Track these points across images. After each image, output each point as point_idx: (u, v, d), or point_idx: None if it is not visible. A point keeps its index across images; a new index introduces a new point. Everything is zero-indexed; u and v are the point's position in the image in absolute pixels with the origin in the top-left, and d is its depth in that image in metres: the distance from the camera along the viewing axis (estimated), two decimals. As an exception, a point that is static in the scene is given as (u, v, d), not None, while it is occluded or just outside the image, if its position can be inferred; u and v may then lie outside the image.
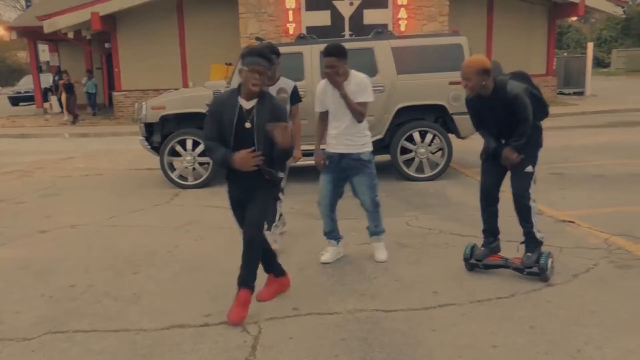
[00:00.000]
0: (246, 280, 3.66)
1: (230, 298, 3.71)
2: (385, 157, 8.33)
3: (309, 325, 3.58)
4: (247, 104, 3.55)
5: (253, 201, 3.65)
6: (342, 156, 4.53)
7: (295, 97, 5.02)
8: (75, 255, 5.10)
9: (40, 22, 16.93)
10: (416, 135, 7.84)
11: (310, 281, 4.33)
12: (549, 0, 17.60)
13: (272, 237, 4.90)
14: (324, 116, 4.60)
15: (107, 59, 21.18)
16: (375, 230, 4.77)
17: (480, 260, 4.33)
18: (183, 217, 6.34)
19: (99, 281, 4.44)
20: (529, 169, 4.17)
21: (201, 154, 7.73)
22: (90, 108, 20.00)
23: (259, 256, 3.73)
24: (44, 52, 21.94)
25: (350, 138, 4.49)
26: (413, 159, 7.90)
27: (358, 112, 4.41)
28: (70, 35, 17.71)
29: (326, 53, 4.33)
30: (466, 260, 4.38)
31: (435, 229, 5.53)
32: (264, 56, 3.53)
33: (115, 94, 18.37)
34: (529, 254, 4.21)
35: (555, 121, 13.96)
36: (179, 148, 7.86)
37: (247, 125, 3.53)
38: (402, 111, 7.81)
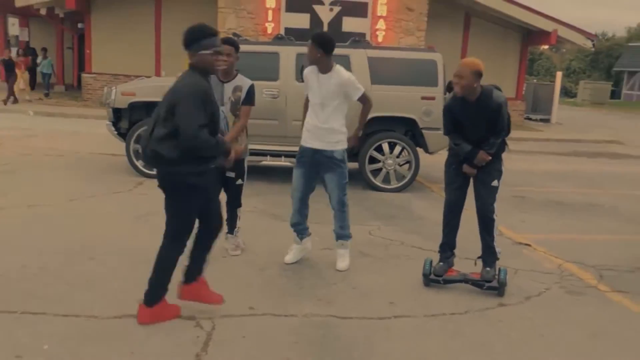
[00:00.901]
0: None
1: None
2: (353, 165, 8.37)
3: (264, 326, 3.57)
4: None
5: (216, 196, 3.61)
6: (315, 152, 4.54)
7: (250, 98, 4.62)
8: (30, 236, 4.97)
9: (13, -6, 16.48)
10: (385, 146, 7.91)
11: (270, 282, 4.32)
12: (524, 27, 18.02)
13: (234, 241, 4.85)
14: (308, 103, 4.65)
15: (79, 39, 20.72)
16: (341, 233, 4.73)
17: (440, 276, 4.37)
18: (145, 206, 6.22)
19: (52, 264, 4.34)
20: (495, 183, 4.28)
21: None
22: (44, 88, 19.16)
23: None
24: (14, 26, 21.34)
25: (325, 135, 4.50)
26: (380, 169, 7.96)
27: (369, 110, 4.76)
28: (43, 11, 17.28)
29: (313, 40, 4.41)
30: (425, 275, 4.39)
31: (396, 240, 5.58)
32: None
33: (84, 75, 17.96)
34: (488, 268, 4.31)
35: (521, 145, 14.28)
36: (146, 136, 7.73)
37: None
38: (373, 121, 7.83)
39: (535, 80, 30.61)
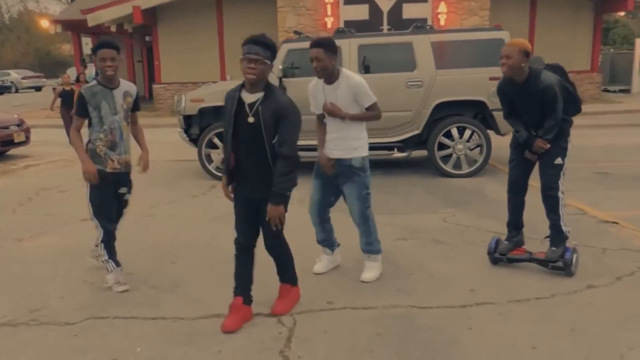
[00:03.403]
0: (293, 279, 3.79)
1: (266, 288, 3.74)
2: (422, 153, 8.26)
3: (344, 320, 3.57)
4: (249, 98, 3.29)
5: (264, 211, 3.40)
6: (335, 162, 4.13)
7: (138, 103, 4.28)
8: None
9: (84, 15, 17.34)
10: (454, 131, 7.74)
11: (345, 276, 4.31)
12: (596, -6, 17.12)
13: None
14: (321, 117, 4.19)
15: (147, 52, 21.55)
16: (367, 249, 4.27)
17: (504, 255, 4.33)
18: (220, 208, 6.39)
19: (138, 269, 4.53)
20: (558, 160, 4.15)
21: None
22: None
23: (290, 256, 3.73)
24: (87, 45, 22.45)
25: (342, 142, 4.05)
26: (451, 155, 7.80)
27: (373, 118, 4.09)
28: (113, 28, 18.07)
29: (312, 44, 3.90)
30: (490, 253, 4.39)
31: (472, 226, 5.45)
32: (259, 43, 3.17)
33: (155, 86, 18.68)
34: (554, 248, 4.19)
35: (600, 119, 13.59)
36: (216, 140, 7.94)
37: (250, 119, 3.26)
38: (440, 106, 7.72)
39: (611, 50, 29.01)
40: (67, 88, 11.93)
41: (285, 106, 3.27)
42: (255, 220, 3.52)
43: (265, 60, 3.19)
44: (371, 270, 4.25)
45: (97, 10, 17.23)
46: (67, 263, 4.74)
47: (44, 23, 28.65)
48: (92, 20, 17.21)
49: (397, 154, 7.80)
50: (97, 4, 17.55)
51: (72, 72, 20.42)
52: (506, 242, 4.41)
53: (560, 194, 4.18)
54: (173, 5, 17.41)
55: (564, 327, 3.37)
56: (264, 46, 3.19)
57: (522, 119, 4.25)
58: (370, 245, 4.25)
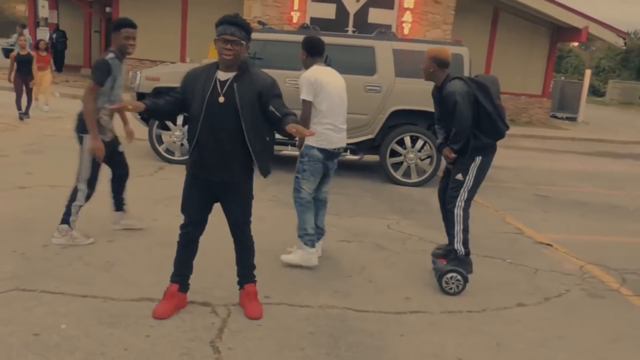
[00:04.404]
0: (251, 275, 3.63)
1: (204, 275, 3.70)
2: (373, 158, 8.34)
3: (279, 315, 3.57)
4: (222, 75, 3.24)
5: (231, 198, 3.39)
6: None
7: None
8: (51, 216, 5.01)
9: (44, -24, 16.65)
10: (407, 140, 7.84)
11: (285, 272, 4.31)
12: (553, 23, 17.69)
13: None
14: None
15: (106, 23, 20.89)
16: (298, 233, 4.50)
17: (433, 257, 4.50)
18: (165, 191, 6.28)
19: (72, 245, 4.38)
20: (459, 176, 4.19)
21: (191, 131, 7.65)
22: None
23: (253, 250, 3.61)
24: (44, 8, 21.54)
25: None
26: (402, 163, 7.91)
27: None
28: (73, -6, 17.44)
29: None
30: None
31: (415, 235, 5.54)
32: (234, 24, 3.15)
33: (110, 59, 18.12)
34: (446, 262, 4.26)
35: (545, 143, 14.12)
36: (168, 122, 7.78)
37: (221, 99, 3.18)
38: (396, 114, 7.80)
39: (563, 78, 30.11)
40: (23, 52, 10.65)
41: (268, 81, 3.28)
42: (209, 207, 3.44)
43: (241, 41, 3.17)
44: (291, 254, 4.45)
45: (58, -27, 16.56)
46: (-3, 231, 4.54)
47: (-1, -21, 27.31)
48: (51, -18, 16.54)
49: (349, 156, 7.85)
50: (58, -33, 16.88)
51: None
52: (441, 249, 4.48)
53: (457, 211, 4.15)
54: (138, -21, 16.94)
55: (491, 340, 3.48)
56: (239, 26, 3.16)
57: (439, 124, 4.40)
58: (298, 230, 4.47)
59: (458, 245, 4.16)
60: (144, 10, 17.36)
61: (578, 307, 4.13)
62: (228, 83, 3.22)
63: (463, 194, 4.18)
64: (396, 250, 5.03)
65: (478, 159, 4.14)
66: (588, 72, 23.00)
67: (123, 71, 4.54)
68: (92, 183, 4.51)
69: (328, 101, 4.34)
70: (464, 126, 4.04)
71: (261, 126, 3.29)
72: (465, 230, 4.17)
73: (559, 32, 18.16)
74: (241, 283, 3.60)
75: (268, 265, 4.29)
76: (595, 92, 40.38)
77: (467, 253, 4.18)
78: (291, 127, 3.06)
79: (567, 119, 20.99)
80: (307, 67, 4.48)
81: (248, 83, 3.23)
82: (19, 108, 10.39)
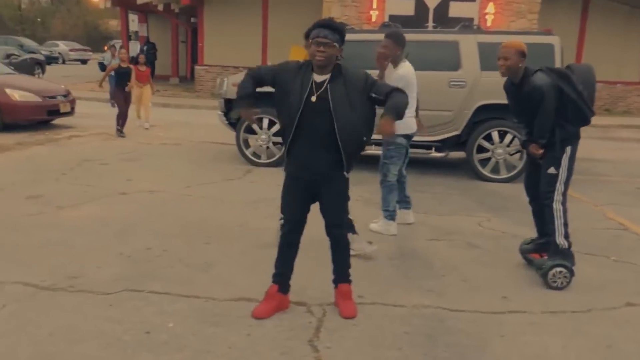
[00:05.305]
0: (346, 274, 3.64)
1: (297, 275, 3.74)
2: (460, 154, 8.16)
3: (373, 315, 3.57)
4: (318, 78, 3.30)
5: (327, 197, 3.44)
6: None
7: None
8: (152, 220, 5.30)
9: (133, -8, 17.60)
10: (495, 135, 7.61)
11: (376, 272, 4.31)
12: (651, 4, 16.59)
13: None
14: None
15: (192, 33, 21.76)
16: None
17: (522, 252, 4.46)
18: (254, 193, 6.45)
19: (172, 247, 4.60)
20: (552, 170, 4.04)
21: (276, 134, 7.82)
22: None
23: (348, 250, 3.64)
24: (134, 22, 22.78)
25: None
26: (489, 159, 7.69)
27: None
28: (160, 7, 18.31)
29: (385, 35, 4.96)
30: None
31: (508, 232, 5.37)
32: (327, 27, 3.21)
33: (197, 67, 18.86)
34: (547, 257, 4.13)
35: (644, 133, 13.24)
36: (254, 126, 7.98)
37: (313, 98, 3.24)
38: (482, 109, 7.59)
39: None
40: (124, 65, 10.58)
41: (360, 75, 3.35)
42: (306, 207, 3.51)
43: (334, 44, 3.22)
44: (376, 224, 5.22)
45: (147, -12, 17.46)
46: (104, 235, 4.85)
47: (94, -3, 29.11)
48: (141, -2, 17.46)
49: (434, 154, 7.73)
50: (146, -18, 17.79)
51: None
52: (529, 243, 4.45)
53: (555, 205, 4.04)
54: (220, -12, 17.53)
55: (600, 343, 3.31)
56: (332, 29, 3.23)
57: (520, 119, 4.23)
58: (382, 206, 5.21)
59: (560, 239, 4.05)
60: (227, 18, 17.97)
61: (694, 308, 3.85)
62: (323, 86, 3.27)
63: (560, 187, 4.05)
64: (489, 249, 4.90)
65: (568, 149, 4.03)
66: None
67: None
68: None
69: (412, 93, 4.80)
70: (548, 122, 3.94)
71: (360, 126, 3.32)
72: (566, 224, 4.06)
73: (657, 13, 16.99)
74: (336, 282, 3.64)
75: (359, 265, 4.31)
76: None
77: (569, 246, 4.07)
78: (381, 128, 3.21)
79: (669, 106, 19.57)
80: (397, 61, 4.89)
81: (342, 84, 3.28)
82: (119, 124, 10.28)
